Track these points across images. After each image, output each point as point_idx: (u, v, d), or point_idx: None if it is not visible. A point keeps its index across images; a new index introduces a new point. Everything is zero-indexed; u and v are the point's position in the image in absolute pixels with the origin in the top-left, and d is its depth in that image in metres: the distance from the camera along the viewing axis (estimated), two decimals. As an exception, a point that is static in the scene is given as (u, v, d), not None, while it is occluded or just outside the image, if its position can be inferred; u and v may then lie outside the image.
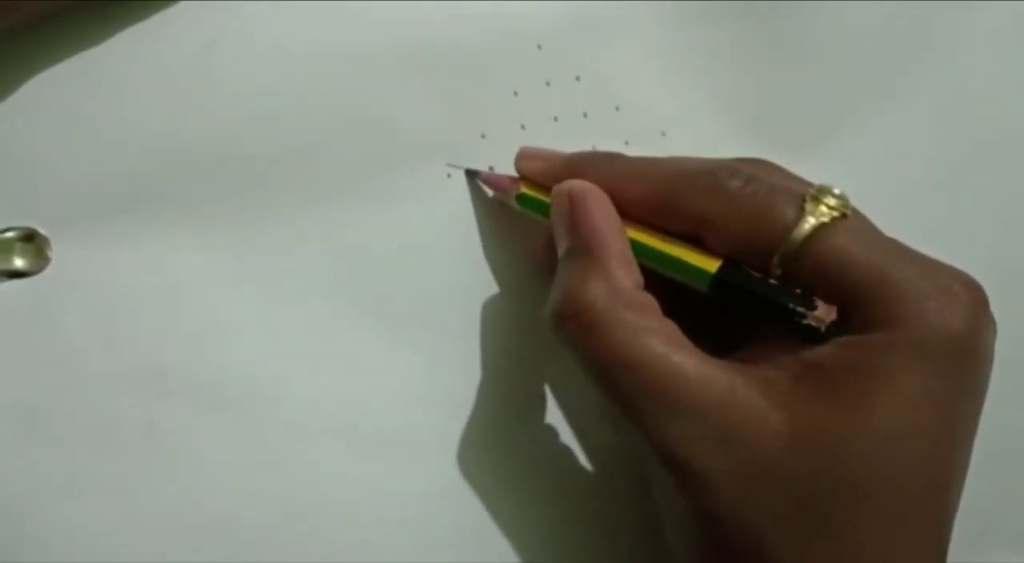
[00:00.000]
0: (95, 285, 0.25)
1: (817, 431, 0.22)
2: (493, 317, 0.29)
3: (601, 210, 0.25)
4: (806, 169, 0.26)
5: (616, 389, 0.23)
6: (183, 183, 0.26)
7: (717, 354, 0.24)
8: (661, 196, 0.25)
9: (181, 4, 0.26)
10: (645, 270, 0.25)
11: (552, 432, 0.29)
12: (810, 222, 0.23)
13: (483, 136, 0.28)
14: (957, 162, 0.34)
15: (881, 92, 0.33)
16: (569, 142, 0.29)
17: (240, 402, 0.26)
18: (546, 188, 0.27)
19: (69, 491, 0.25)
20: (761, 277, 0.24)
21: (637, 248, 0.25)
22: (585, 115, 0.30)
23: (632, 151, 0.30)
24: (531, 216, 0.28)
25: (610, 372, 0.23)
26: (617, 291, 0.24)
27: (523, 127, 0.29)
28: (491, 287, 0.29)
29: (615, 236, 0.25)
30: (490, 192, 0.29)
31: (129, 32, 0.25)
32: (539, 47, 0.29)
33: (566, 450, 0.29)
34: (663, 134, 0.31)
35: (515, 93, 0.29)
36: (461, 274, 0.28)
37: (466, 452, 0.28)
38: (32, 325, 0.25)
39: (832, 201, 0.24)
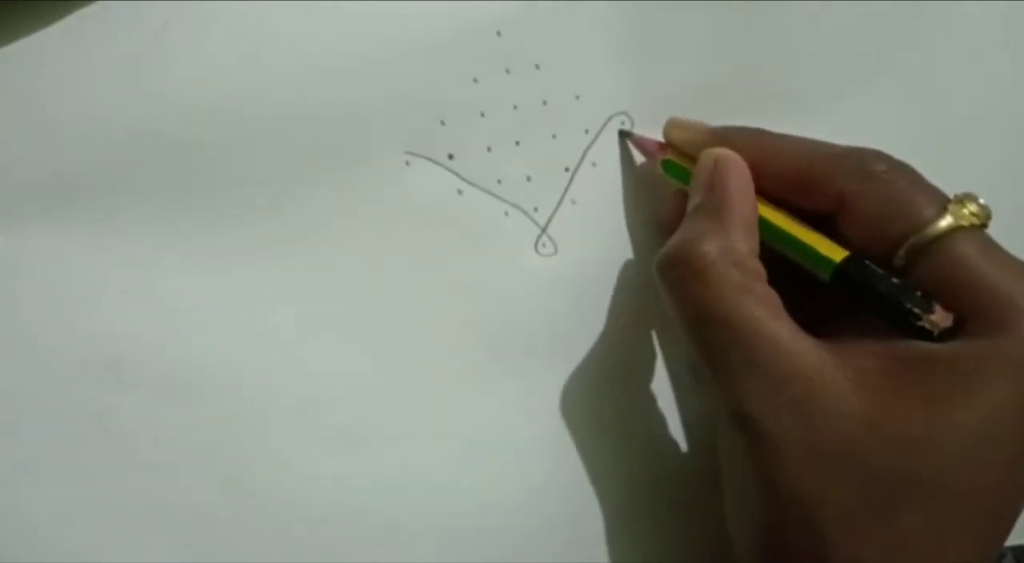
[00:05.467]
0: (44, 273, 0.25)
1: (898, 422, 0.22)
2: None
3: (740, 178, 0.26)
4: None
5: (707, 340, 0.24)
6: (138, 170, 0.26)
7: (812, 331, 0.24)
8: (805, 172, 0.26)
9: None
10: (763, 247, 0.26)
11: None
12: (948, 221, 0.24)
13: (442, 123, 0.28)
14: (926, 153, 0.34)
15: (852, 81, 0.33)
16: (529, 130, 0.29)
17: (196, 391, 0.26)
18: (689, 157, 0.28)
19: (20, 476, 0.24)
20: (884, 273, 0.24)
21: (767, 227, 0.26)
22: (545, 103, 0.29)
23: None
24: (672, 182, 0.29)
25: (705, 322, 0.24)
26: (731, 250, 0.25)
27: (483, 114, 0.29)
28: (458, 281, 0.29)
29: (745, 203, 0.26)
30: (639, 156, 0.30)
31: (80, 13, 0.25)
32: (498, 34, 0.29)
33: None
34: (623, 123, 0.31)
35: (474, 80, 0.28)
36: (420, 263, 0.28)
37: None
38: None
39: (975, 208, 0.24)
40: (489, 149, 0.29)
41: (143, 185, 0.26)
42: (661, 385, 0.31)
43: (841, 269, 0.25)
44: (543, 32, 0.29)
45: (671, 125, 0.29)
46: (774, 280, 0.25)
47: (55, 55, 0.25)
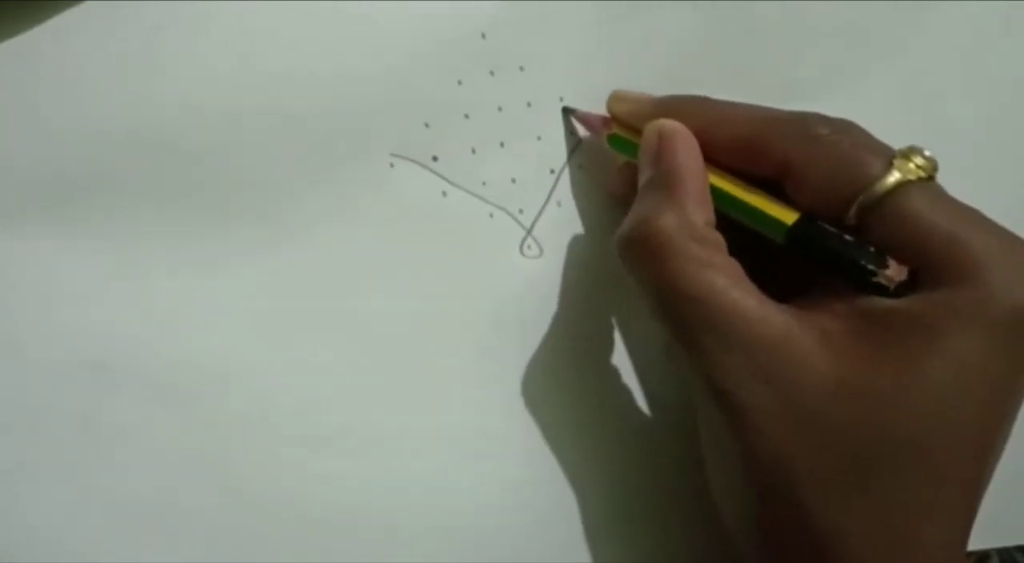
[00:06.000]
0: (35, 274, 0.25)
1: (867, 383, 0.22)
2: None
3: (686, 149, 0.26)
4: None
5: (674, 318, 0.24)
6: (130, 171, 0.25)
7: (779, 298, 0.24)
8: (749, 139, 0.26)
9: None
10: (720, 216, 0.26)
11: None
12: (896, 176, 0.24)
13: (427, 125, 0.28)
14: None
15: (844, 81, 0.33)
16: (514, 132, 0.29)
17: (189, 392, 0.26)
18: (635, 129, 0.28)
19: (12, 477, 0.24)
20: (836, 232, 0.24)
21: (718, 195, 0.26)
22: (529, 105, 0.29)
23: (578, 142, 0.30)
24: (619, 156, 0.29)
25: (670, 300, 0.24)
26: (688, 224, 0.25)
27: (467, 116, 0.29)
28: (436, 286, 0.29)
29: (695, 174, 0.26)
30: (582, 131, 0.30)
31: (73, 12, 0.25)
32: (483, 36, 0.29)
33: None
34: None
35: (459, 82, 0.28)
36: (405, 265, 0.28)
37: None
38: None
39: (921, 161, 0.24)
40: (474, 151, 0.29)
41: (135, 186, 0.26)
42: (650, 382, 0.31)
43: (794, 231, 0.25)
44: (527, 34, 0.29)
45: (614, 98, 0.29)
46: (737, 250, 0.25)
47: (47, 55, 0.25)
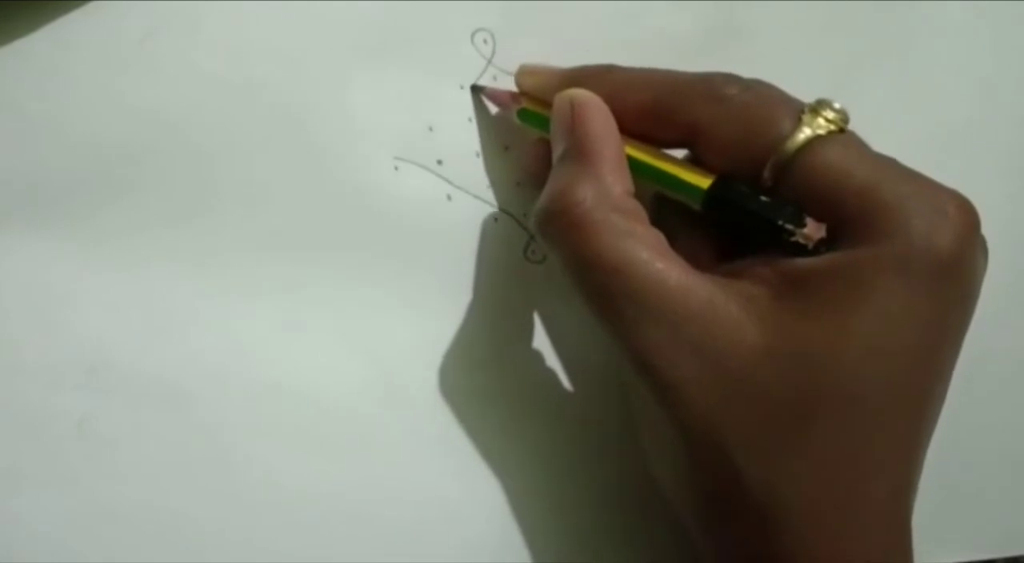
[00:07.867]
0: (26, 278, 0.25)
1: (793, 345, 0.22)
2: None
3: (599, 118, 0.25)
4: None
5: (597, 291, 0.24)
6: (122, 175, 0.26)
7: (705, 269, 0.24)
8: (657, 104, 0.25)
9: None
10: (641, 188, 0.25)
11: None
12: (805, 133, 0.23)
13: (430, 129, 0.28)
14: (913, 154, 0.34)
15: (836, 83, 0.33)
16: (517, 136, 0.29)
17: (179, 396, 0.26)
18: (545, 103, 0.27)
19: (4, 484, 0.24)
20: (752, 192, 0.24)
21: (633, 164, 0.25)
22: (532, 108, 0.30)
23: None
24: (531, 131, 0.28)
25: (592, 273, 0.23)
26: (606, 194, 0.24)
27: (470, 120, 0.29)
28: (453, 281, 0.29)
29: (610, 143, 0.25)
30: (493, 109, 0.29)
31: (64, 19, 0.25)
32: (485, 41, 0.29)
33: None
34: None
35: (461, 86, 0.29)
36: (410, 268, 0.28)
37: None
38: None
39: (831, 114, 0.24)
40: (478, 154, 0.29)
41: (132, 189, 0.26)
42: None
43: (710, 194, 0.24)
44: (529, 38, 0.29)
45: (522, 73, 0.28)
46: (658, 222, 0.25)
47: (38, 60, 0.25)
